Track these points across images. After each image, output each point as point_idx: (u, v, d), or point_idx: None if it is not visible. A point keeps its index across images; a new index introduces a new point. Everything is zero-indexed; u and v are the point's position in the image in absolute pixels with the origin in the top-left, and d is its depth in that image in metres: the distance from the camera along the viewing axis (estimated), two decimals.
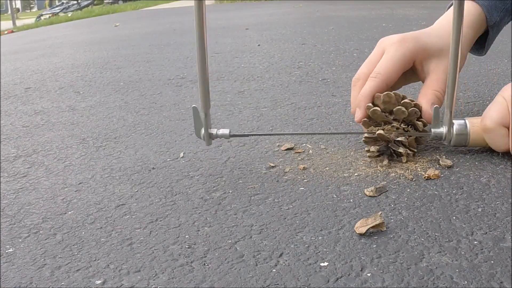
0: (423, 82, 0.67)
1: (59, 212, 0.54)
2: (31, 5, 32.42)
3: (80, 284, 0.40)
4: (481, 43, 0.74)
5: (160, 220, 0.50)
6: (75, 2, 14.27)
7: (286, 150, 0.67)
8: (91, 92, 1.18)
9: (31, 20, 10.57)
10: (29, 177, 0.65)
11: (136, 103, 1.02)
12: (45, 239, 0.48)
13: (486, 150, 0.61)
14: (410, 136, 0.61)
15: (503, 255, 0.39)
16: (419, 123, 0.61)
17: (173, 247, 0.44)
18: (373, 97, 0.62)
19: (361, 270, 0.39)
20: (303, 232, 0.45)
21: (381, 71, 0.63)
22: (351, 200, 0.51)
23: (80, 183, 0.61)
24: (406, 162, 0.59)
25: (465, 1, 0.69)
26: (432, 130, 0.59)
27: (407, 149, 0.60)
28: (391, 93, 0.60)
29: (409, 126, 0.61)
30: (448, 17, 0.70)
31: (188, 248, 0.44)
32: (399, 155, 0.60)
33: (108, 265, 0.42)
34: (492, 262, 0.38)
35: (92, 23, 4.73)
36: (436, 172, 0.55)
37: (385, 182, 0.54)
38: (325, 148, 0.66)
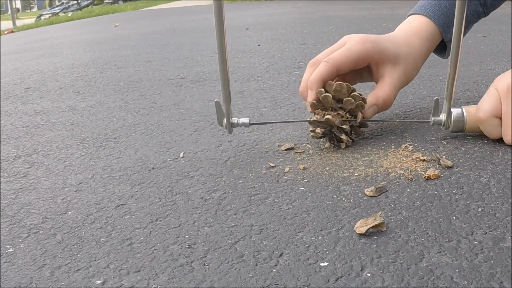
0: (376, 83, 0.71)
1: (59, 212, 0.54)
2: (31, 5, 32.43)
3: (80, 284, 0.40)
4: (443, 48, 0.77)
5: (160, 220, 0.50)
6: (75, 2, 14.28)
7: (286, 150, 0.67)
8: (91, 92, 1.18)
9: (31, 20, 10.57)
10: (29, 177, 0.65)
11: (136, 103, 1.02)
12: (45, 239, 0.48)
13: (486, 150, 0.61)
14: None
15: (503, 255, 0.39)
16: (360, 114, 0.66)
17: (173, 247, 0.44)
18: (326, 82, 0.66)
19: (361, 270, 0.39)
20: (303, 232, 0.45)
21: (334, 57, 0.66)
22: (351, 200, 0.51)
23: (80, 183, 0.61)
24: (345, 148, 0.65)
25: (420, 17, 0.72)
26: (432, 118, 0.64)
27: (348, 137, 0.64)
28: (344, 83, 0.64)
29: (352, 116, 0.66)
30: (405, 26, 0.74)
31: (188, 248, 0.44)
32: (340, 140, 0.65)
33: (108, 265, 0.42)
34: (492, 262, 0.38)
35: (92, 23, 4.73)
36: (436, 172, 0.55)
37: (385, 182, 0.54)
38: (325, 148, 0.66)
